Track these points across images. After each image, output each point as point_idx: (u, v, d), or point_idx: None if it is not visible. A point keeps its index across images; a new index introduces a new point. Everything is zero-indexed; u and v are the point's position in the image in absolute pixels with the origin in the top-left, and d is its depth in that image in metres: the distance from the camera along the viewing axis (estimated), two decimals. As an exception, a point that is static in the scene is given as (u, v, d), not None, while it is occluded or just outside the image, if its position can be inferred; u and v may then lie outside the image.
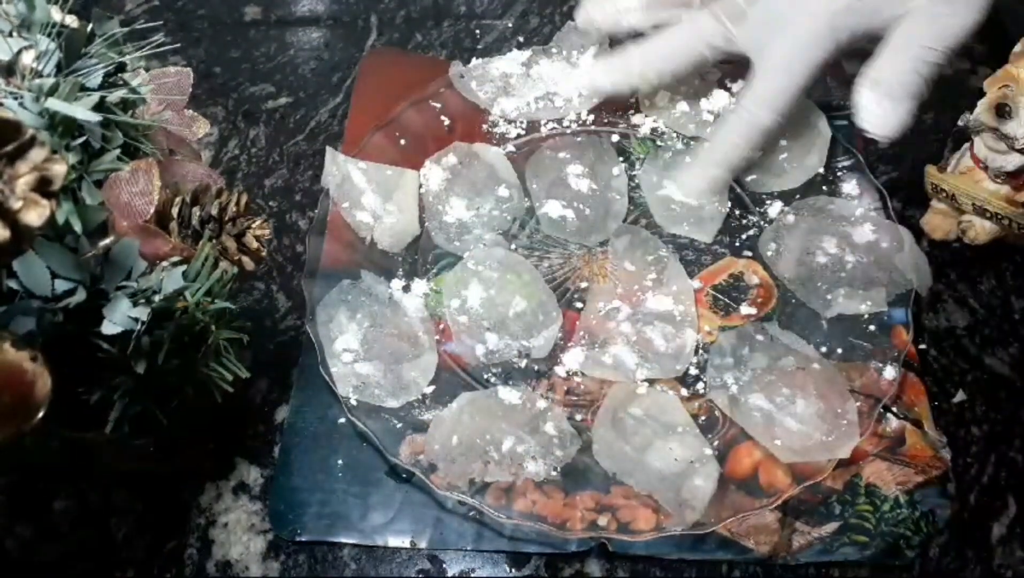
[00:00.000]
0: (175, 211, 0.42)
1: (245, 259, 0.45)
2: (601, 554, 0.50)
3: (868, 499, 0.51)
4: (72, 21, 0.38)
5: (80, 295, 0.36)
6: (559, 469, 0.50)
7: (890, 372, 0.53)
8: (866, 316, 0.56)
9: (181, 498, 0.52)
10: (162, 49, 0.42)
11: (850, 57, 0.57)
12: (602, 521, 0.49)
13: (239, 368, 0.43)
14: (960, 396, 0.56)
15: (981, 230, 0.59)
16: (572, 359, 0.55)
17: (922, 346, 0.58)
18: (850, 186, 0.62)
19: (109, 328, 0.36)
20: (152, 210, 0.40)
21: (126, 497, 0.52)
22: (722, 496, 0.49)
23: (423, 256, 0.61)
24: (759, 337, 0.56)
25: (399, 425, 0.52)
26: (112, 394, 0.39)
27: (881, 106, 0.53)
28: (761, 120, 0.57)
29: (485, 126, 0.67)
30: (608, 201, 0.63)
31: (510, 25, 0.76)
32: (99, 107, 0.37)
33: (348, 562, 0.50)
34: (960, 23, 0.51)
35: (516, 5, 0.78)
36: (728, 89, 0.67)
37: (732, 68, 0.68)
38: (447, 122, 0.67)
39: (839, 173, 0.63)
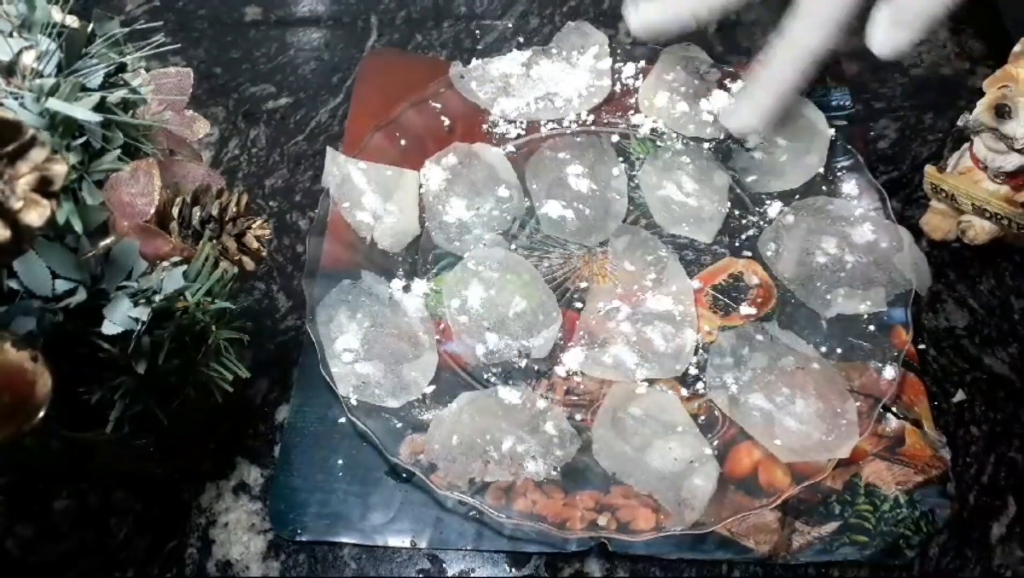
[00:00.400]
0: (175, 211, 0.42)
1: (245, 259, 0.45)
2: (601, 554, 0.50)
3: (868, 499, 0.51)
4: (72, 21, 0.38)
5: (80, 295, 0.36)
6: (559, 469, 0.50)
7: (890, 372, 0.53)
8: (866, 316, 0.56)
9: (181, 498, 0.52)
10: (162, 49, 0.42)
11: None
12: (602, 521, 0.49)
13: (239, 368, 0.43)
14: (960, 396, 0.56)
15: (981, 230, 0.59)
16: (572, 359, 0.55)
17: (922, 346, 0.58)
18: (850, 186, 0.62)
19: (109, 328, 0.36)
20: (152, 210, 0.40)
21: (126, 497, 0.52)
22: (722, 496, 0.49)
23: (423, 256, 0.61)
24: (759, 337, 0.56)
25: (399, 425, 0.52)
26: (112, 394, 0.39)
27: (885, 28, 0.51)
28: (810, 43, 0.54)
29: (485, 126, 0.67)
30: (608, 201, 0.63)
31: (510, 25, 0.76)
32: (99, 107, 0.37)
33: (348, 562, 0.50)
34: None
35: (516, 5, 0.78)
36: (728, 89, 0.67)
37: (732, 68, 0.68)
38: (447, 122, 0.67)
39: (839, 173, 0.63)
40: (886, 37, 0.51)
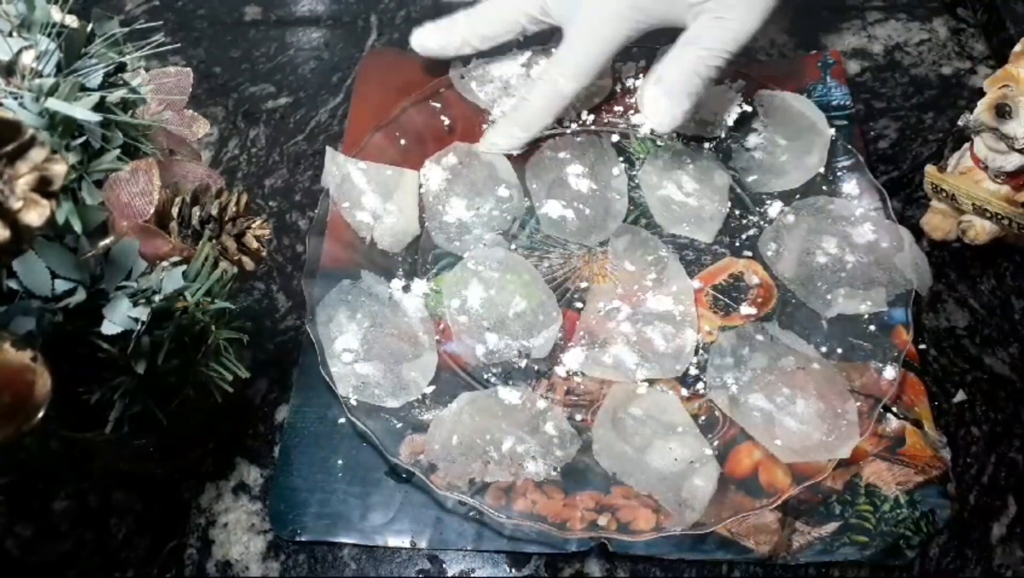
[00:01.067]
0: (175, 211, 0.42)
1: (245, 259, 0.45)
2: (601, 554, 0.50)
3: (868, 499, 0.51)
4: (72, 21, 0.38)
5: (80, 295, 0.36)
6: (559, 469, 0.50)
7: (890, 372, 0.53)
8: (866, 316, 0.56)
9: (181, 498, 0.52)
10: (162, 49, 0.42)
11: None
12: (602, 521, 0.49)
13: (239, 368, 0.43)
14: (960, 396, 0.56)
15: (981, 230, 0.58)
16: (572, 359, 0.55)
17: (922, 346, 0.58)
18: (850, 186, 0.62)
19: (109, 328, 0.36)
20: (152, 210, 0.40)
21: (126, 497, 0.52)
22: (722, 496, 0.49)
23: (423, 256, 0.61)
24: (759, 337, 0.56)
25: (399, 425, 0.52)
26: (112, 394, 0.39)
27: (659, 102, 0.57)
28: (562, 88, 0.61)
29: (485, 126, 0.67)
30: (608, 201, 0.63)
31: (510, 25, 0.76)
32: (99, 107, 0.37)
33: (348, 562, 0.50)
34: (740, 28, 0.55)
35: (516, 5, 0.78)
36: (728, 88, 0.67)
37: (731, 69, 0.68)
38: (447, 122, 0.67)
39: (839, 173, 0.63)
40: (661, 112, 0.57)
